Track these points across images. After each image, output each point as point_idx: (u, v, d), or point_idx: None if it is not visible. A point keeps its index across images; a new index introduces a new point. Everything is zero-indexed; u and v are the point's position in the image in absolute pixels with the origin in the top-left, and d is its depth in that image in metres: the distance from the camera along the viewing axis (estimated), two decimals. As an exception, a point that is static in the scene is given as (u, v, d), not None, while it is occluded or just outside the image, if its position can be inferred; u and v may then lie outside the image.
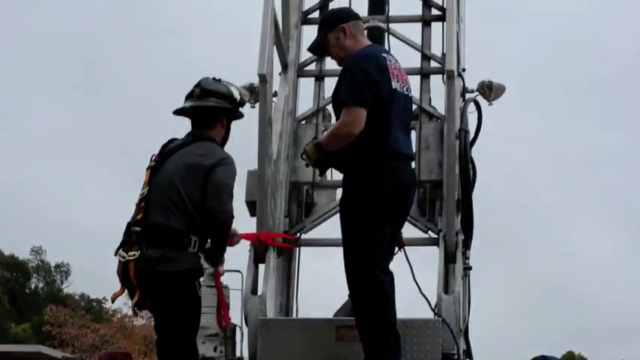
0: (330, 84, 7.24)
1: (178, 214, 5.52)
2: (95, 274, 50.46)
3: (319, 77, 7.54)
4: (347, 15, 6.05)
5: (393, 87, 5.71)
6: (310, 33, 7.47)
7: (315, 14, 7.70)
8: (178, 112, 5.92)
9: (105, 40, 78.49)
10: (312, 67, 7.59)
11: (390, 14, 7.52)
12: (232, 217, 5.63)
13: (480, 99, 7.45)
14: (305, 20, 7.67)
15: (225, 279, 6.44)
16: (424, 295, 6.37)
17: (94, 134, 69.93)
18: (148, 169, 5.74)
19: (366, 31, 6.20)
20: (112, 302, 5.65)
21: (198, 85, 5.91)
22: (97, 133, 69.52)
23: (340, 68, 5.93)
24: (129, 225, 5.61)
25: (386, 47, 7.15)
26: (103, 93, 72.51)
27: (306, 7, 7.72)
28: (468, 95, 7.55)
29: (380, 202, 5.60)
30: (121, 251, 5.56)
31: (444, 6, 7.25)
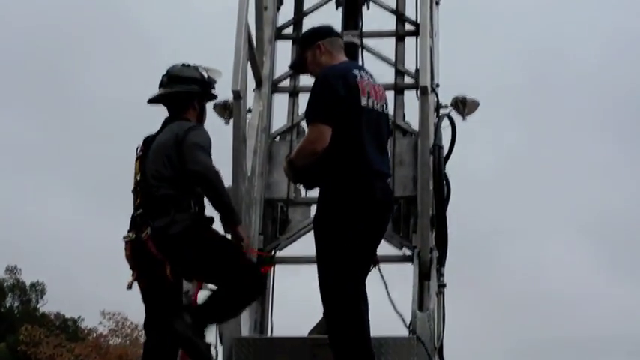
0: (304, 100, 7.19)
1: (170, 185, 5.65)
2: (70, 293, 50.31)
3: (293, 93, 7.52)
4: (324, 32, 6.03)
5: (363, 104, 5.59)
6: (284, 48, 7.49)
7: (289, 29, 7.68)
8: (152, 100, 6.09)
9: (70, 51, 77.89)
10: (287, 82, 7.57)
11: (363, 29, 7.51)
12: (213, 169, 5.65)
13: (454, 114, 7.45)
14: (279, 35, 7.65)
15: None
16: (399, 313, 6.33)
17: (62, 149, 69.43)
18: (136, 160, 5.89)
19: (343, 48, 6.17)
20: (129, 289, 5.66)
21: (166, 73, 6.08)
22: (65, 147, 69.04)
23: None
24: (132, 214, 5.76)
25: (360, 63, 7.12)
26: (68, 106, 71.93)
27: (280, 23, 7.70)
28: (441, 111, 7.55)
29: (353, 218, 5.52)
30: (129, 234, 5.69)
31: (418, 21, 7.23)
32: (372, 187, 5.58)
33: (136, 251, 5.63)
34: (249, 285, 5.62)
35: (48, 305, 47.18)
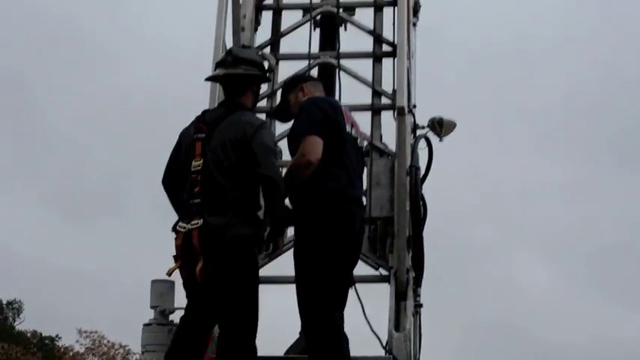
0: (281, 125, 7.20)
1: (235, 183, 5.53)
2: (47, 311, 49.96)
3: (271, 114, 7.51)
4: (305, 77, 6.43)
5: (347, 130, 5.86)
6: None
7: (267, 50, 7.69)
8: (211, 79, 6.11)
9: (30, 69, 77.25)
10: (264, 103, 7.57)
11: (341, 50, 7.52)
12: (282, 178, 5.63)
13: (431, 135, 7.49)
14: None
15: (176, 317, 6.44)
16: (375, 333, 6.35)
17: (30, 165, 68.70)
18: (197, 140, 5.69)
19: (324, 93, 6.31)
20: (169, 275, 5.58)
21: (229, 52, 6.03)
22: (33, 164, 68.27)
23: None
24: (185, 199, 5.60)
25: (337, 83, 7.18)
26: (29, 123, 71.06)
27: (257, 44, 7.71)
28: (418, 131, 7.59)
29: (338, 243, 5.61)
30: (181, 223, 5.55)
31: (395, 42, 7.26)
32: (354, 215, 5.72)
33: (186, 241, 5.49)
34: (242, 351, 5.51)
35: (25, 324, 46.87)
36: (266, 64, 6.08)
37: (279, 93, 7.23)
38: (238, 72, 5.87)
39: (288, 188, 5.66)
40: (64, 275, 58.28)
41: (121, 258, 56.83)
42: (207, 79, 6.10)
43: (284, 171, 5.81)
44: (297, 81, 6.27)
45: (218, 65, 5.99)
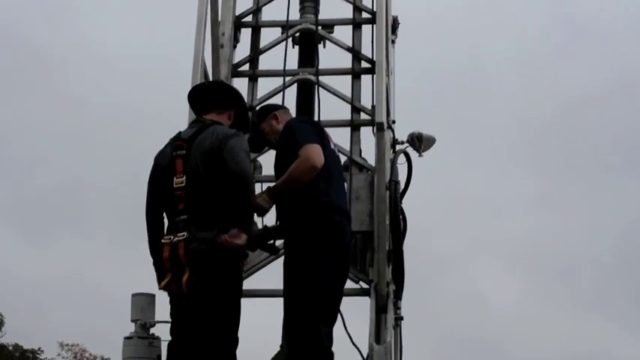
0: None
1: (219, 196, 5.52)
2: (29, 324, 49.64)
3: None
4: (276, 105, 6.51)
5: (332, 146, 5.98)
6: (240, 85, 7.51)
7: (246, 67, 7.74)
8: (195, 87, 6.17)
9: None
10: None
11: (319, 67, 7.57)
12: (251, 174, 5.69)
13: (410, 150, 7.54)
14: (235, 73, 7.69)
15: (156, 330, 6.44)
16: (356, 346, 6.37)
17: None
18: (177, 157, 5.69)
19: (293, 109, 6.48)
20: (166, 290, 5.56)
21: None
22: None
23: None
24: (170, 217, 5.64)
25: (316, 99, 7.25)
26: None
27: (236, 60, 7.75)
28: (398, 147, 7.63)
29: (328, 256, 5.65)
30: (169, 236, 5.55)
31: (374, 59, 7.32)
32: (344, 230, 5.79)
33: (172, 253, 5.49)
34: None
35: (6, 337, 46.60)
36: (250, 114, 6.16)
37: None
38: (223, 82, 5.93)
39: (288, 193, 5.71)
40: (43, 288, 57.89)
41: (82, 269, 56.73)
42: (190, 92, 6.08)
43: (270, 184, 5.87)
44: (267, 110, 6.32)
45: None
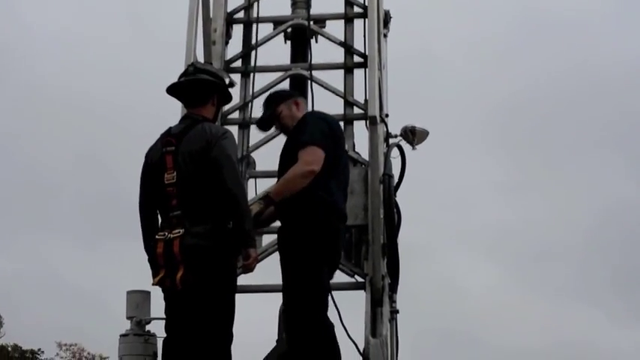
0: (255, 134, 7.24)
1: (210, 192, 5.57)
2: (28, 325, 49.65)
3: (243, 125, 7.55)
4: (296, 93, 6.58)
5: (345, 148, 6.23)
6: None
7: (238, 62, 7.74)
8: (172, 88, 6.00)
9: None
10: (236, 115, 7.61)
11: (312, 62, 7.58)
12: (244, 191, 5.75)
13: (404, 144, 7.55)
14: (227, 69, 7.68)
15: (152, 327, 6.45)
16: (352, 339, 6.36)
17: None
18: (167, 154, 5.72)
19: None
20: (160, 286, 5.61)
21: (191, 64, 6.08)
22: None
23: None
24: (163, 213, 5.67)
25: (309, 94, 7.26)
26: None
27: (228, 57, 7.76)
28: (391, 140, 7.65)
29: (325, 253, 5.78)
30: (163, 233, 5.57)
31: (366, 53, 7.32)
32: (339, 232, 5.93)
33: (167, 249, 5.52)
34: None
35: (5, 338, 46.60)
36: (227, 81, 6.13)
37: (250, 105, 7.37)
38: (201, 78, 5.92)
39: (283, 195, 5.77)
40: (41, 287, 57.99)
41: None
42: (168, 90, 6.03)
43: (272, 181, 5.90)
44: (289, 94, 6.40)
45: (180, 76, 6.02)
